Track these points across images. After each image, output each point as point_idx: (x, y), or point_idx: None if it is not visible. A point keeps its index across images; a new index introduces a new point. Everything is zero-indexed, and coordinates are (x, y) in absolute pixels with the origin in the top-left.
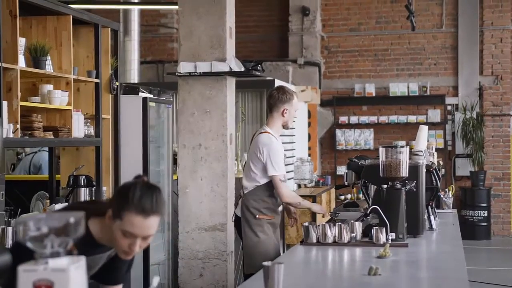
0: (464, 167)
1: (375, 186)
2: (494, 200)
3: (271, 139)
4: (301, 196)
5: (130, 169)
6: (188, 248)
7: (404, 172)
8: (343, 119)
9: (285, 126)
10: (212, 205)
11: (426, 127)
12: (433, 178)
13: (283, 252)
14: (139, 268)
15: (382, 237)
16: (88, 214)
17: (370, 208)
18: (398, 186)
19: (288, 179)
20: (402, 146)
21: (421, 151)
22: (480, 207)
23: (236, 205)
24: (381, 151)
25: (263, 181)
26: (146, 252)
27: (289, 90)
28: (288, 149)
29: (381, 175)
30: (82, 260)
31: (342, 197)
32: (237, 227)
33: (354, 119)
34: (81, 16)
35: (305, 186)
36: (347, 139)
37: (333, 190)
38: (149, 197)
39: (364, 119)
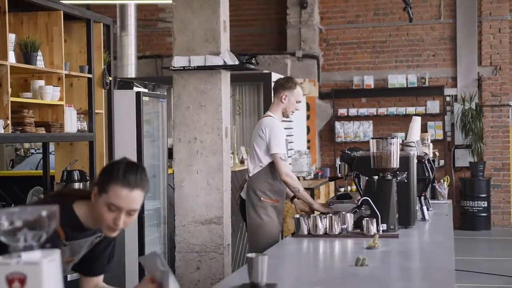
0: (463, 158)
1: (366, 178)
2: (493, 191)
3: (273, 120)
4: None
5: None
6: (184, 241)
7: (395, 163)
8: (342, 111)
9: (284, 114)
10: (208, 199)
11: (419, 118)
12: (425, 169)
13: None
14: (135, 261)
15: (373, 228)
16: (73, 198)
17: (361, 200)
18: (389, 177)
19: None
20: (393, 138)
21: (413, 142)
22: (480, 198)
23: (241, 188)
24: (372, 142)
25: (266, 161)
26: (141, 245)
27: (293, 80)
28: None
29: (372, 166)
30: (56, 254)
31: (342, 189)
32: (241, 210)
33: (353, 111)
34: (72, 11)
35: (304, 178)
36: (346, 131)
37: (332, 183)
38: (134, 172)
39: (363, 111)
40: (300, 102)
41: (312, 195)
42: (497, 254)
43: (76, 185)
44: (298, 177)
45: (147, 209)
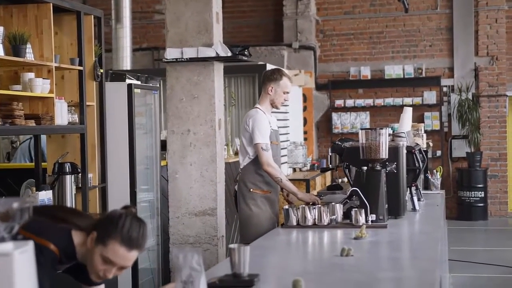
0: (460, 148)
1: (356, 168)
2: (490, 181)
3: (257, 112)
4: (295, 179)
5: (117, 155)
6: (178, 233)
7: (384, 153)
8: (339, 102)
9: (273, 105)
10: (201, 190)
11: (410, 109)
12: (416, 160)
13: None
14: None
15: (361, 218)
16: (73, 223)
17: (350, 190)
18: (378, 167)
19: (282, 163)
20: (382, 128)
21: (403, 132)
22: (477, 188)
23: (235, 181)
24: (361, 133)
25: (253, 153)
26: None
27: (280, 72)
28: (282, 133)
29: (361, 157)
30: (29, 245)
31: (339, 180)
32: (235, 201)
33: (350, 102)
34: (62, 4)
35: (300, 170)
36: (343, 122)
37: (328, 173)
38: (137, 230)
39: (360, 102)
40: (288, 93)
41: (308, 186)
42: (494, 244)
43: (68, 178)
44: (294, 169)
45: (139, 201)
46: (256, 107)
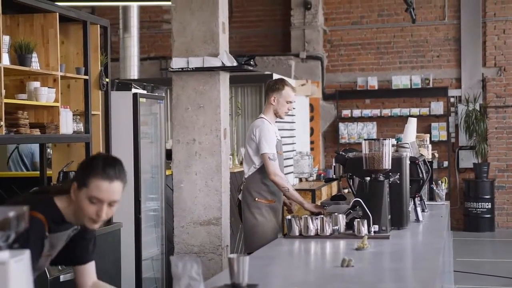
0: (467, 159)
1: (359, 179)
2: (498, 192)
3: (263, 122)
4: (301, 189)
5: None
6: (183, 242)
7: (387, 164)
8: (346, 112)
9: (277, 115)
10: (206, 200)
11: (415, 119)
12: (419, 170)
13: None
14: (131, 263)
15: (364, 229)
16: (53, 192)
17: (353, 201)
18: (381, 178)
19: (288, 173)
20: (385, 139)
21: (407, 143)
22: (484, 199)
23: (239, 190)
24: (364, 144)
25: (259, 162)
26: (138, 246)
27: (281, 81)
28: (288, 143)
29: (364, 167)
30: (25, 254)
31: (346, 190)
32: (239, 211)
33: (357, 113)
34: (68, 13)
35: (306, 180)
36: (350, 132)
37: (335, 184)
38: (112, 165)
39: (367, 112)
40: (291, 102)
41: (313, 197)
42: (501, 256)
43: None
44: (300, 179)
45: (144, 210)
46: (262, 117)
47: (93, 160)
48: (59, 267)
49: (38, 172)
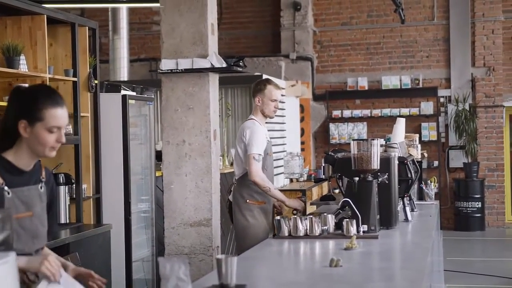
0: (457, 159)
1: (348, 179)
2: (488, 191)
3: (254, 123)
4: (291, 190)
5: (111, 166)
6: (174, 243)
7: (375, 164)
8: (336, 113)
9: (264, 115)
10: (197, 201)
11: (403, 119)
12: (408, 170)
13: None
14: (122, 264)
15: (353, 229)
16: (2, 155)
17: (342, 201)
18: (370, 178)
19: (278, 173)
20: (373, 139)
21: (396, 143)
22: (474, 198)
23: (229, 191)
24: (352, 144)
25: None
26: (128, 248)
27: (263, 81)
28: (278, 144)
29: (353, 167)
30: (10, 256)
31: (337, 191)
32: (230, 213)
33: (347, 113)
34: (56, 15)
35: (297, 180)
36: (340, 133)
37: (325, 184)
38: (53, 92)
39: (357, 112)
40: (275, 100)
41: (304, 196)
42: (492, 255)
43: (62, 188)
44: (291, 179)
45: (134, 212)
46: (252, 119)
47: (35, 94)
48: None
49: None
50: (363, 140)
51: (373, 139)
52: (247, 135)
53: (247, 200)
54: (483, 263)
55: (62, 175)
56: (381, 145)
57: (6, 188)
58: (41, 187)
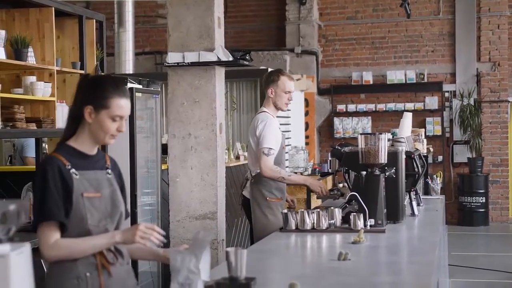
0: (462, 154)
1: (355, 173)
2: (492, 186)
3: (267, 116)
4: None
5: (118, 159)
6: (179, 237)
7: (383, 158)
8: (340, 107)
9: (276, 107)
10: (202, 194)
11: (410, 114)
12: (415, 165)
13: None
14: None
15: (360, 223)
16: (63, 141)
17: (349, 195)
18: (377, 172)
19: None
20: (381, 133)
21: (403, 137)
22: (478, 193)
23: (242, 187)
24: (360, 138)
25: None
26: None
27: (277, 72)
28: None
29: (360, 162)
30: (25, 246)
31: (341, 185)
32: (245, 208)
33: (351, 107)
34: (64, 8)
35: (301, 174)
36: (345, 127)
37: (330, 178)
38: (120, 82)
39: (362, 107)
40: (289, 92)
41: (308, 191)
42: (495, 250)
43: None
44: (295, 173)
45: (140, 205)
46: (264, 111)
47: (103, 83)
48: None
49: (34, 167)
50: (370, 134)
51: (381, 133)
52: (260, 128)
53: (267, 198)
54: (487, 258)
55: None
56: (388, 139)
57: (73, 170)
58: (108, 173)
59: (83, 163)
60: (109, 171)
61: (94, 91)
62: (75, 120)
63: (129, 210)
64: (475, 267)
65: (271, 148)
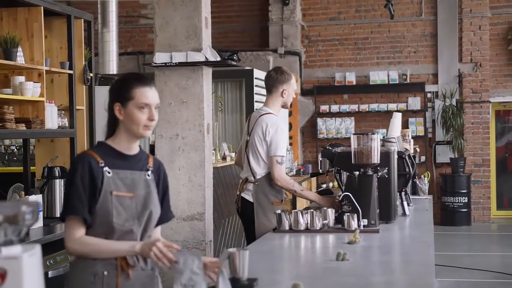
0: (444, 154)
1: (347, 173)
2: (474, 186)
3: (277, 120)
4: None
5: None
6: (167, 238)
7: (376, 158)
8: (324, 108)
9: (284, 106)
10: (190, 195)
11: (399, 114)
12: (406, 165)
13: None
14: None
15: (354, 223)
16: (104, 141)
17: (342, 195)
18: (370, 172)
19: None
20: (373, 133)
21: (394, 138)
22: (460, 194)
23: (240, 189)
24: (353, 138)
25: None
26: None
27: (287, 71)
28: None
29: (353, 162)
30: (36, 248)
31: (324, 185)
32: (243, 211)
33: (335, 108)
34: (53, 7)
35: (287, 175)
36: (328, 127)
37: (314, 179)
38: (142, 75)
39: (345, 107)
40: (296, 90)
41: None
42: (478, 249)
43: (57, 182)
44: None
45: None
46: (271, 113)
47: (125, 78)
48: (47, 262)
49: (22, 168)
50: (363, 134)
51: (373, 133)
52: (271, 133)
53: (273, 202)
54: (470, 257)
55: (58, 168)
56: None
57: (106, 168)
58: (148, 175)
59: (119, 162)
60: (149, 173)
61: (118, 88)
62: (112, 123)
63: (171, 214)
64: (458, 267)
65: (283, 156)
